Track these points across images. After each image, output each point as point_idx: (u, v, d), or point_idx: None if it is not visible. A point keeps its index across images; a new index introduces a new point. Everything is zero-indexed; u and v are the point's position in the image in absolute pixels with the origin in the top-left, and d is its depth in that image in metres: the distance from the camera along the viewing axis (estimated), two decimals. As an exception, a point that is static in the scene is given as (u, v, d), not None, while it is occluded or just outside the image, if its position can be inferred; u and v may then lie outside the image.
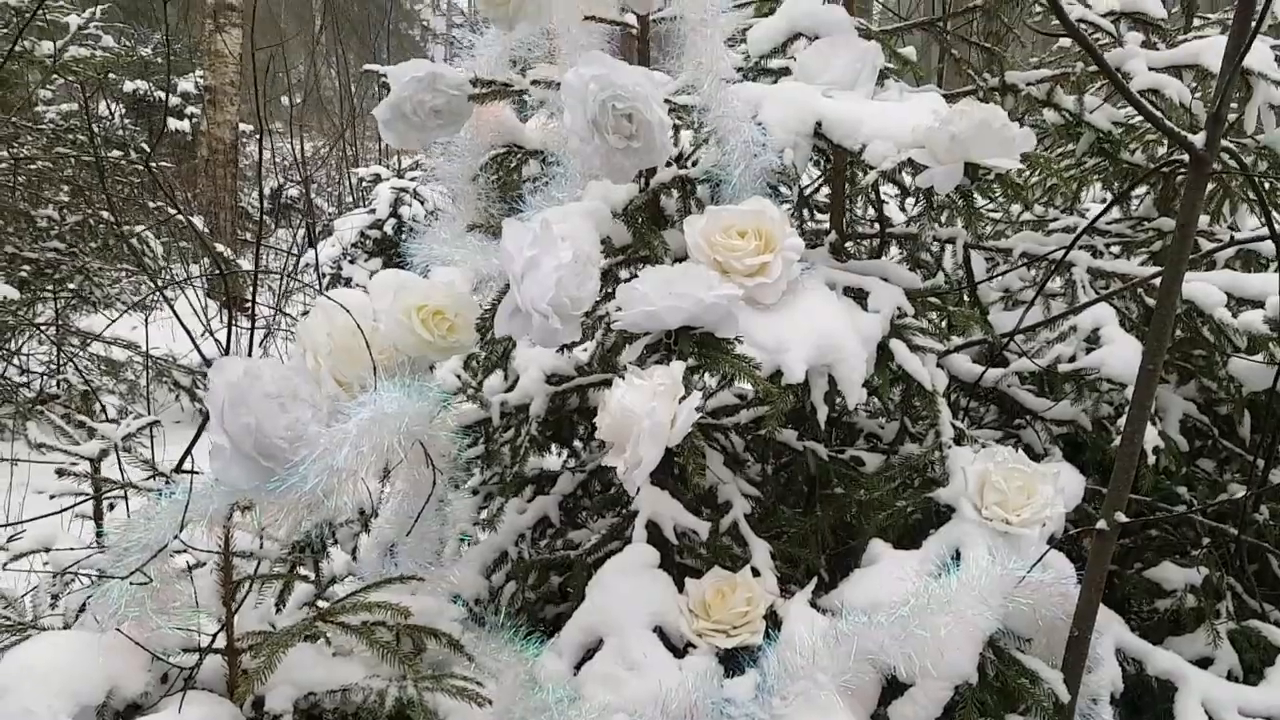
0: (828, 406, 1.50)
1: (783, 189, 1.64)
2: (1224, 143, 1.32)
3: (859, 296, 1.62)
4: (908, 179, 1.68)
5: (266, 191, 11.18)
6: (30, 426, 4.42)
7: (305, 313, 1.47)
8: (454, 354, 1.46)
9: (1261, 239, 1.67)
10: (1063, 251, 1.72)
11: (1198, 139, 1.26)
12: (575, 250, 1.36)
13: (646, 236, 1.58)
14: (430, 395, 1.32)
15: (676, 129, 1.54)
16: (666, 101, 1.54)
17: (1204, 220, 2.11)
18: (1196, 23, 2.23)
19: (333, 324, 1.38)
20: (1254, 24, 1.26)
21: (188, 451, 2.01)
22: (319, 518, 1.80)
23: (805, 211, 2.28)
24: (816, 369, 1.43)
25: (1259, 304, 1.72)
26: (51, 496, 1.97)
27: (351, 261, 6.07)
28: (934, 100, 1.50)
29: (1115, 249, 2.32)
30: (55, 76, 4.27)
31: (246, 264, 6.95)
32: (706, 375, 1.47)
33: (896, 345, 1.52)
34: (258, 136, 7.75)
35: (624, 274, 1.69)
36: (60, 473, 1.91)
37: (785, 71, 1.76)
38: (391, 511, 1.65)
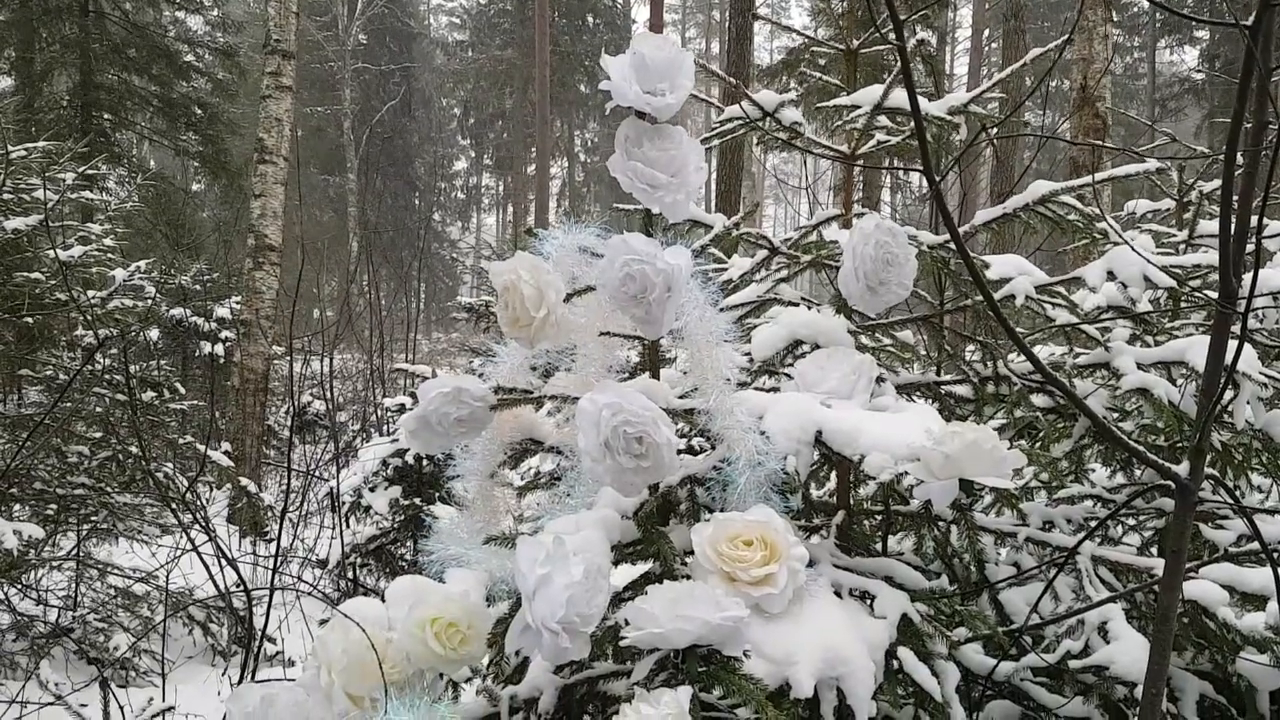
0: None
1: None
2: (1209, 470, 1.38)
3: (865, 595, 1.65)
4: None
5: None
6: (44, 665, 4.42)
7: (324, 621, 1.50)
8: (465, 665, 1.49)
9: (1253, 554, 1.71)
10: (1067, 552, 1.75)
11: (1182, 469, 1.32)
12: (587, 564, 1.41)
13: (655, 538, 1.63)
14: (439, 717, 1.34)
15: (685, 435, 1.62)
16: (674, 415, 1.64)
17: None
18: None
19: (348, 638, 1.42)
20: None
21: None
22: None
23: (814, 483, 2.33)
24: (825, 682, 1.44)
25: (1262, 598, 1.74)
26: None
27: (372, 489, 6.13)
28: (927, 415, 1.58)
29: (1124, 519, 2.35)
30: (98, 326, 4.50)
31: (269, 491, 7.06)
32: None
33: (905, 654, 1.54)
34: (289, 360, 8.05)
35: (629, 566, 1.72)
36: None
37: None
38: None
